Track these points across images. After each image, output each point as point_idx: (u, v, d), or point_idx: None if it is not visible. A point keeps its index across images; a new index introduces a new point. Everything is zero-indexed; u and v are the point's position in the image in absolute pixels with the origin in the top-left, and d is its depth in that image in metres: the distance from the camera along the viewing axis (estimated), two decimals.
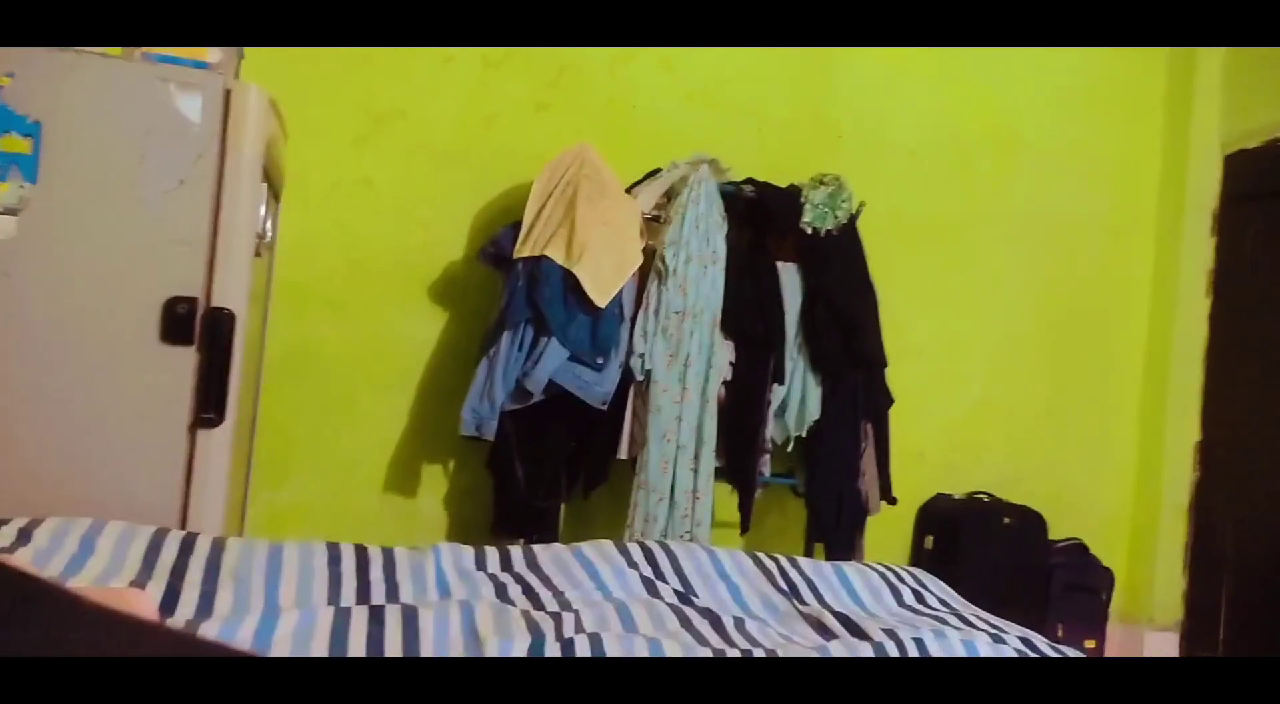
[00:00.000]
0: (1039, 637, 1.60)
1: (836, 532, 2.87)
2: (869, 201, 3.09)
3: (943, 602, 1.78)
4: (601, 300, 2.63)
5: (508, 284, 2.65)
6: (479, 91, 3.05)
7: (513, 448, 2.61)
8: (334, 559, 1.52)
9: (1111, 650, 3.40)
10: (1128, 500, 3.70)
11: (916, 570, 1.93)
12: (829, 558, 2.89)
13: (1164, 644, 3.54)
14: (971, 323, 3.58)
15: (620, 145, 3.03)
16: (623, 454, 2.72)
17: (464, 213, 3.01)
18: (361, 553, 1.55)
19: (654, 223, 2.90)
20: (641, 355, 2.72)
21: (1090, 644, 3.30)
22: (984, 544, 3.17)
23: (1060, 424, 3.64)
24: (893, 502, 2.97)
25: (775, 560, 1.76)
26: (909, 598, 1.77)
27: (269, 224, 2.20)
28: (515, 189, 2.94)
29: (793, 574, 1.72)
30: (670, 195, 2.91)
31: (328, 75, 2.87)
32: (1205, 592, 3.51)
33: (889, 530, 3.30)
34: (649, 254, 2.80)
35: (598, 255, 2.66)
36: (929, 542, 3.27)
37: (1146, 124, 3.80)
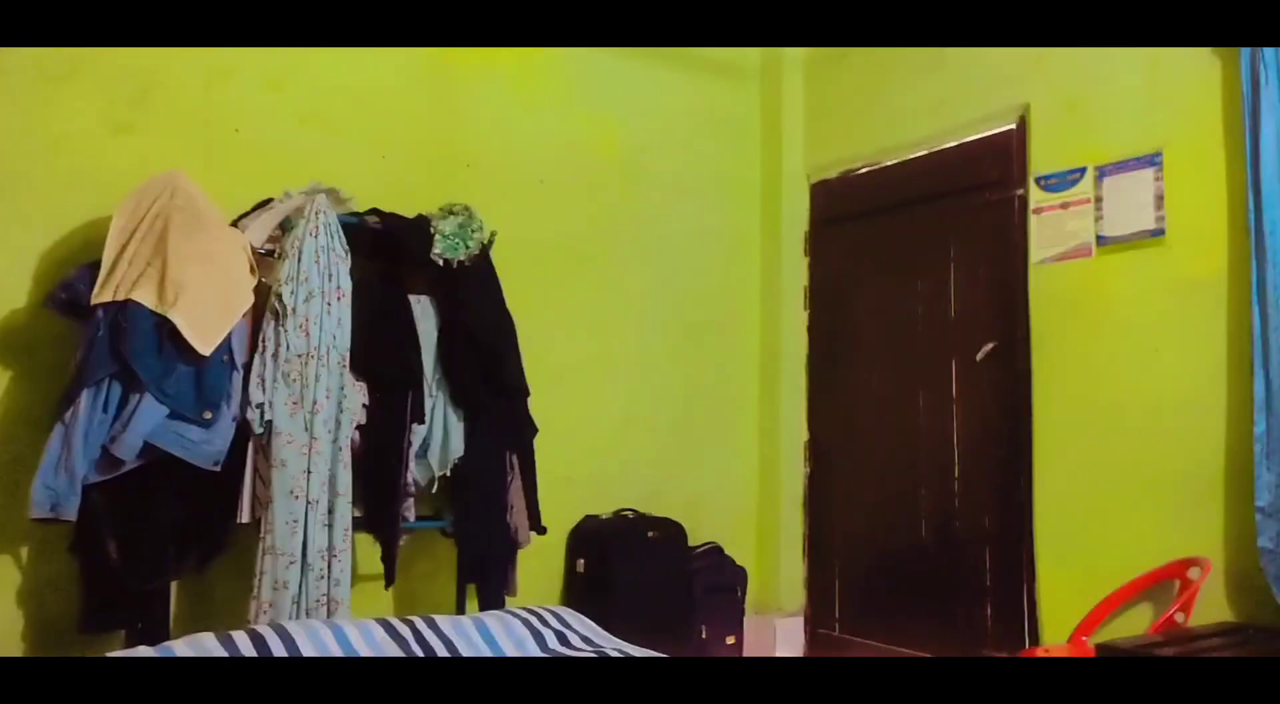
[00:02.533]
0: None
1: (488, 570, 2.81)
2: (501, 230, 3.07)
3: (586, 640, 1.78)
4: (205, 347, 2.34)
5: (85, 335, 2.27)
6: (39, 109, 2.60)
7: (102, 525, 2.23)
8: None
9: (749, 643, 3.67)
10: (754, 500, 4.03)
11: (561, 610, 1.91)
12: (482, 596, 2.82)
13: (792, 629, 3.90)
14: (610, 344, 3.70)
15: (221, 173, 2.74)
16: (244, 518, 2.44)
17: (25, 251, 2.54)
18: None
19: (267, 258, 2.65)
20: (260, 406, 2.46)
21: (730, 640, 3.54)
22: (631, 560, 3.28)
23: (694, 435, 3.87)
24: (542, 531, 2.97)
25: (410, 624, 1.64)
26: (553, 641, 1.74)
27: None
28: (91, 224, 2.54)
29: (429, 637, 1.62)
30: (285, 228, 2.68)
31: None
32: (821, 577, 3.92)
33: (542, 557, 3.30)
34: (262, 293, 2.55)
35: (198, 297, 2.37)
36: (581, 564, 3.31)
37: (747, 154, 4.19)
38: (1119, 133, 3.07)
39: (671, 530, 3.46)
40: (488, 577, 2.80)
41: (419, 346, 2.82)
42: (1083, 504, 3.05)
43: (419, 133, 3.29)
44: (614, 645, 1.75)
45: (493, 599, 2.78)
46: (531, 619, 1.79)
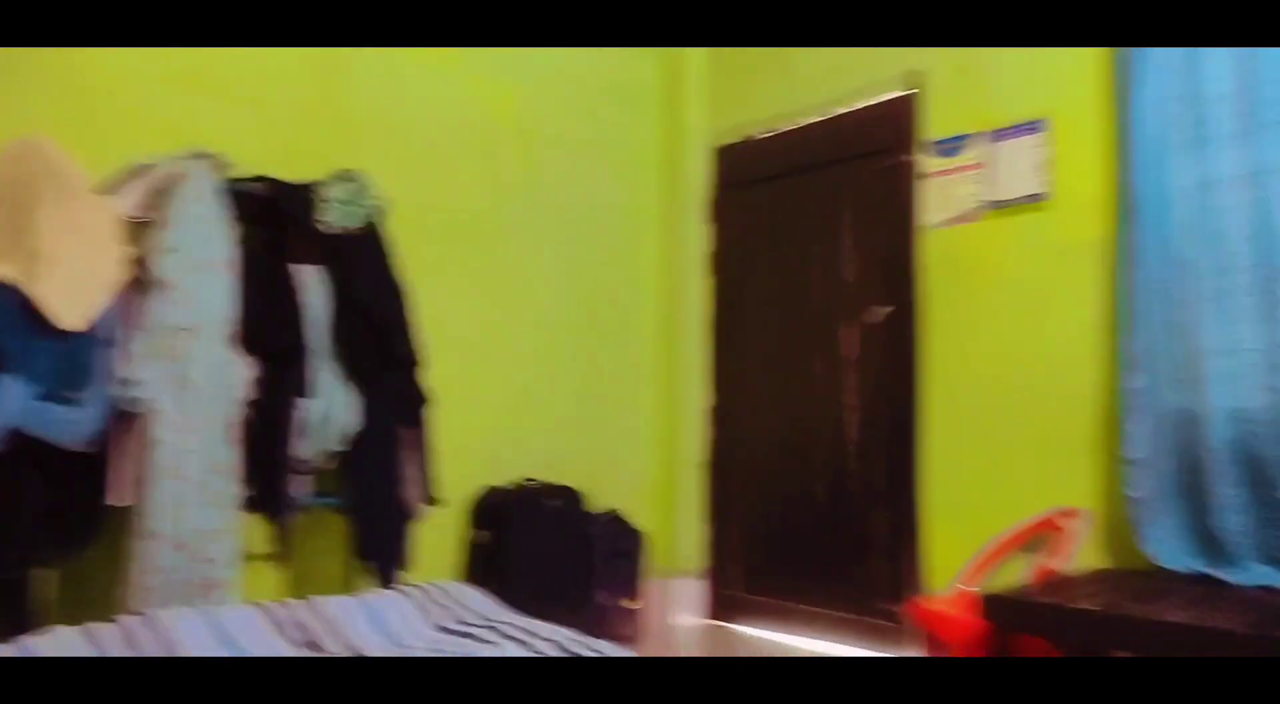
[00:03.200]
0: (572, 635, 1.64)
1: (382, 545, 2.76)
2: (394, 197, 2.99)
3: (479, 615, 1.76)
4: (75, 322, 2.22)
5: None
6: None
7: None
8: None
9: (650, 606, 3.71)
10: (654, 465, 4.06)
11: (452, 585, 1.89)
12: (379, 572, 2.78)
13: (693, 591, 3.96)
14: (508, 312, 3.64)
15: (91, 138, 2.58)
16: (119, 500, 2.34)
17: None
18: None
19: (142, 227, 2.52)
20: (134, 382, 2.35)
21: (631, 604, 3.58)
22: (530, 528, 3.27)
23: (595, 402, 3.87)
24: (438, 503, 2.93)
25: (292, 609, 1.60)
26: (443, 618, 1.72)
27: None
28: None
29: (311, 622, 1.58)
30: (160, 195, 2.55)
31: None
32: (721, 539, 3.98)
33: (440, 530, 3.26)
34: (136, 265, 2.42)
35: (65, 269, 2.23)
36: (479, 535, 3.29)
37: (646, 119, 4.16)
38: (1007, 99, 3.15)
39: (571, 498, 3.47)
40: (382, 552, 2.76)
41: (307, 318, 2.73)
42: (969, 460, 3.17)
43: (306, 96, 3.15)
44: (507, 619, 1.74)
45: (388, 575, 2.74)
46: (424, 597, 1.77)
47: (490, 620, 1.73)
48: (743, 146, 4.05)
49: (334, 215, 2.83)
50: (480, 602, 1.84)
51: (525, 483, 3.47)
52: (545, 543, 3.28)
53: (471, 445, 3.42)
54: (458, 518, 3.37)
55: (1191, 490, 2.62)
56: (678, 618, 3.88)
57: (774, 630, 3.72)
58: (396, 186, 3.07)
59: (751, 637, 3.73)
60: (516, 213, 3.68)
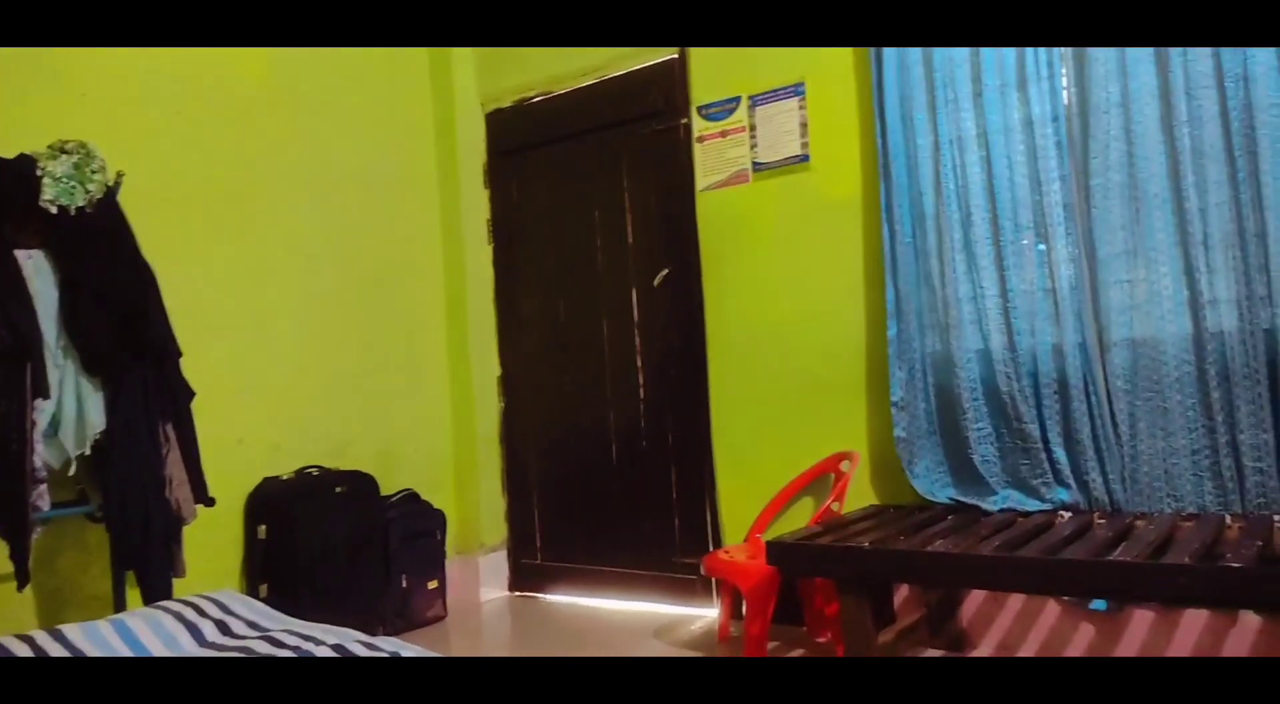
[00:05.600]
0: (354, 636, 1.55)
1: (148, 554, 2.52)
2: (130, 169, 2.70)
3: (251, 624, 1.63)
4: None
5: None
6: None
7: None
8: None
9: (452, 584, 3.64)
10: (449, 441, 3.96)
11: (221, 594, 1.74)
12: (144, 583, 2.54)
13: (496, 564, 3.92)
14: (276, 292, 3.40)
15: None
16: None
17: None
18: None
19: None
20: None
21: (433, 584, 3.49)
22: (319, 518, 3.10)
23: (380, 381, 3.70)
24: (210, 503, 2.71)
25: (29, 640, 1.42)
26: (211, 633, 1.58)
27: None
28: None
29: (56, 652, 1.40)
30: None
31: None
32: (521, 509, 3.96)
33: (216, 529, 3.03)
34: None
35: None
36: (262, 530, 3.08)
37: (416, 84, 3.98)
38: (767, 63, 3.25)
39: (362, 483, 3.31)
40: (148, 561, 2.52)
41: (33, 310, 2.41)
42: (752, 414, 3.30)
43: (18, 54, 2.77)
44: (282, 626, 1.62)
45: (157, 584, 2.51)
46: (185, 611, 1.61)
47: (265, 629, 1.61)
48: (516, 110, 3.96)
49: (56, 192, 2.51)
50: (254, 609, 1.71)
51: (310, 471, 3.28)
52: (335, 532, 3.12)
53: (246, 437, 3.19)
54: (235, 514, 3.14)
55: (947, 427, 2.85)
56: (483, 593, 3.82)
57: (580, 596, 3.75)
58: (133, 157, 2.78)
59: (557, 604, 3.74)
60: (276, 182, 3.42)
